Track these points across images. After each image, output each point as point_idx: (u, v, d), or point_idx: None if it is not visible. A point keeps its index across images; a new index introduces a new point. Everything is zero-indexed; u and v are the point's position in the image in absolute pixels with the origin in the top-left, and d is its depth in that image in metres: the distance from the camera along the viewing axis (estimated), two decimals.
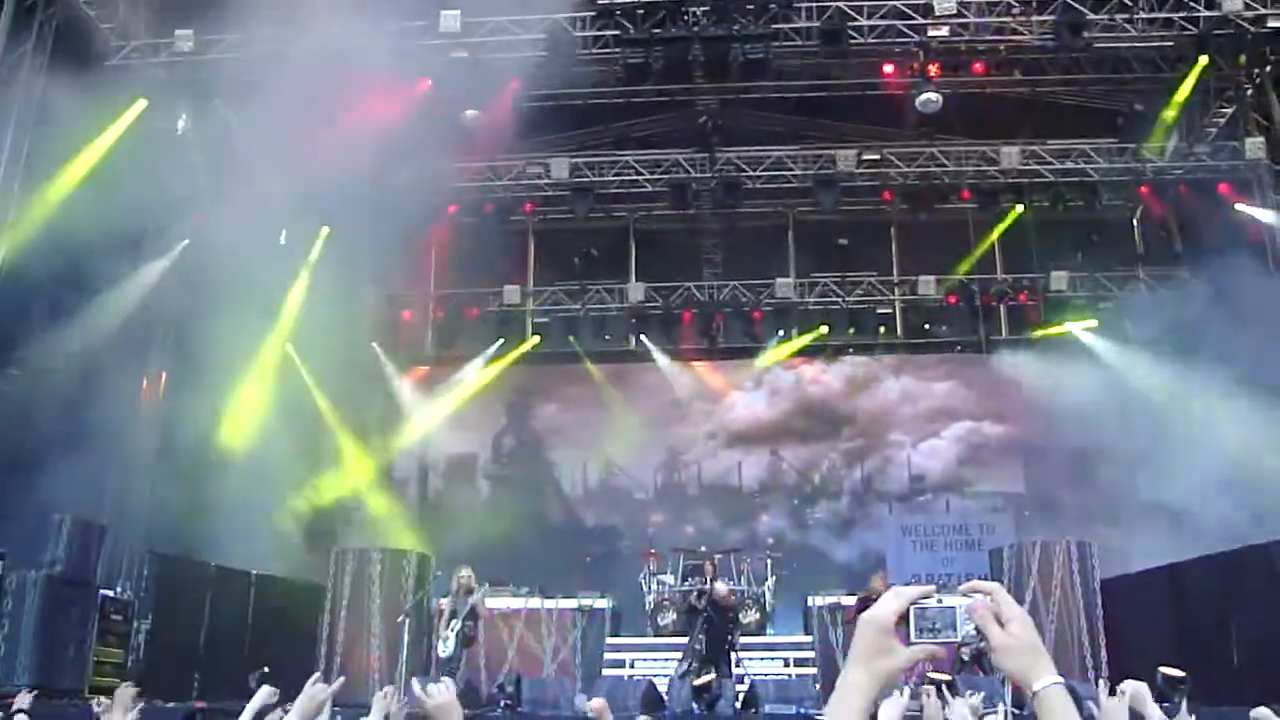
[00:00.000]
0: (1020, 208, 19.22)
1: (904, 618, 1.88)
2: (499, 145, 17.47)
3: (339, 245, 18.08)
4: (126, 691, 4.41)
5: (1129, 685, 3.80)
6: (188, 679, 13.43)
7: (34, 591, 12.10)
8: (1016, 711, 10.98)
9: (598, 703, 4.76)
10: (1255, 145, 16.99)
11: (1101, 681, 4.02)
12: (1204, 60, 16.21)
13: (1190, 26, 15.88)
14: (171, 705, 10.78)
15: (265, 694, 4.22)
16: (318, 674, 3.71)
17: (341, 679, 3.74)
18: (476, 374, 20.93)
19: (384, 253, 18.09)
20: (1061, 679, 1.87)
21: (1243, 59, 16.76)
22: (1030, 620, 1.90)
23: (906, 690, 3.84)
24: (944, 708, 3.96)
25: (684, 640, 14.17)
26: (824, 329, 20.02)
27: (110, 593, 13.78)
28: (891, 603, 1.87)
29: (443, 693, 3.09)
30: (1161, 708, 3.90)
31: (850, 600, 14.74)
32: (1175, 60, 16.97)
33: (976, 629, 1.90)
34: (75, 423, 12.68)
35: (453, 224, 19.47)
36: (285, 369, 17.65)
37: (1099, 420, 17.75)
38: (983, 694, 4.14)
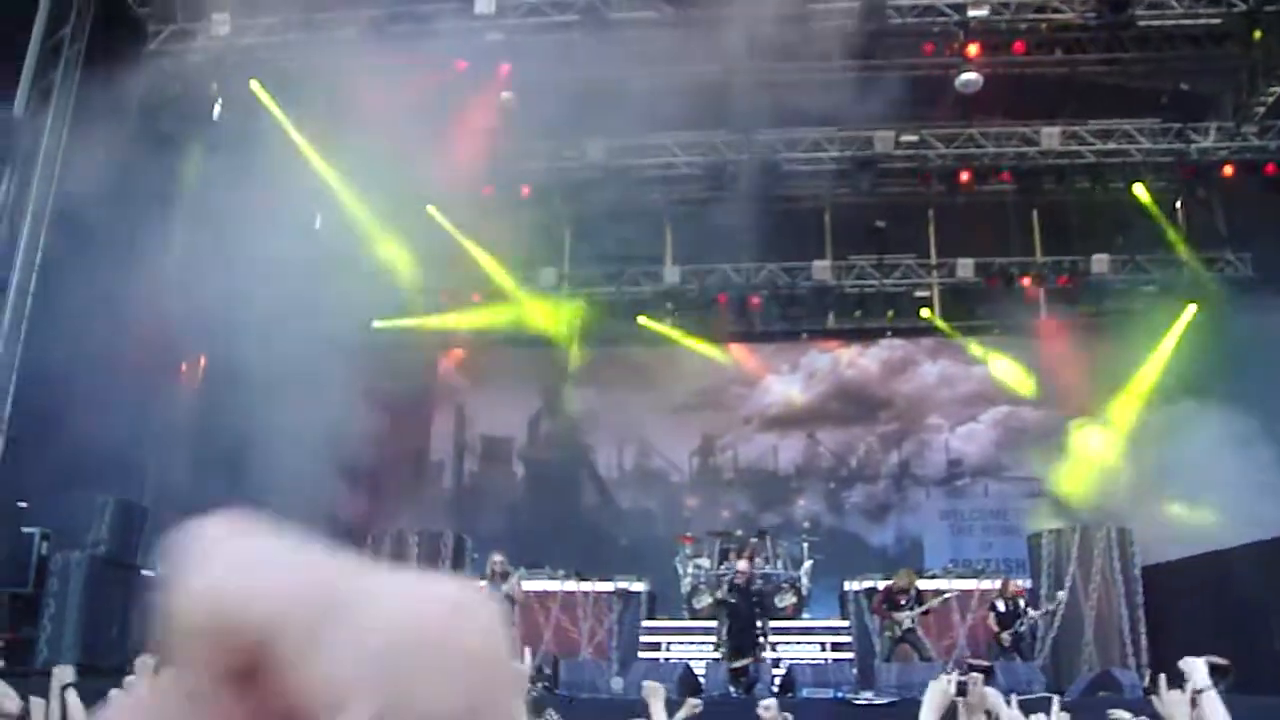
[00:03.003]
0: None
1: None
2: (537, 127, 17.42)
3: (375, 231, 18.15)
4: (147, 660, 4.43)
5: (1186, 660, 3.81)
6: None
7: (78, 572, 12.30)
8: (1057, 697, 10.90)
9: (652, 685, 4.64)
10: None
11: (1145, 672, 3.99)
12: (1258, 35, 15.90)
13: (1238, 2, 15.57)
14: None
15: None
16: None
17: None
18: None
19: (421, 235, 18.15)
20: None
21: None
22: None
23: (955, 673, 3.79)
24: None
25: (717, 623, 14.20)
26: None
27: (152, 573, 13.96)
28: None
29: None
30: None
31: (883, 585, 14.65)
32: (1222, 38, 16.66)
33: None
34: (117, 406, 12.77)
35: (487, 206, 19.45)
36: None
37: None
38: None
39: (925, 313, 20.23)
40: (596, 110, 16.27)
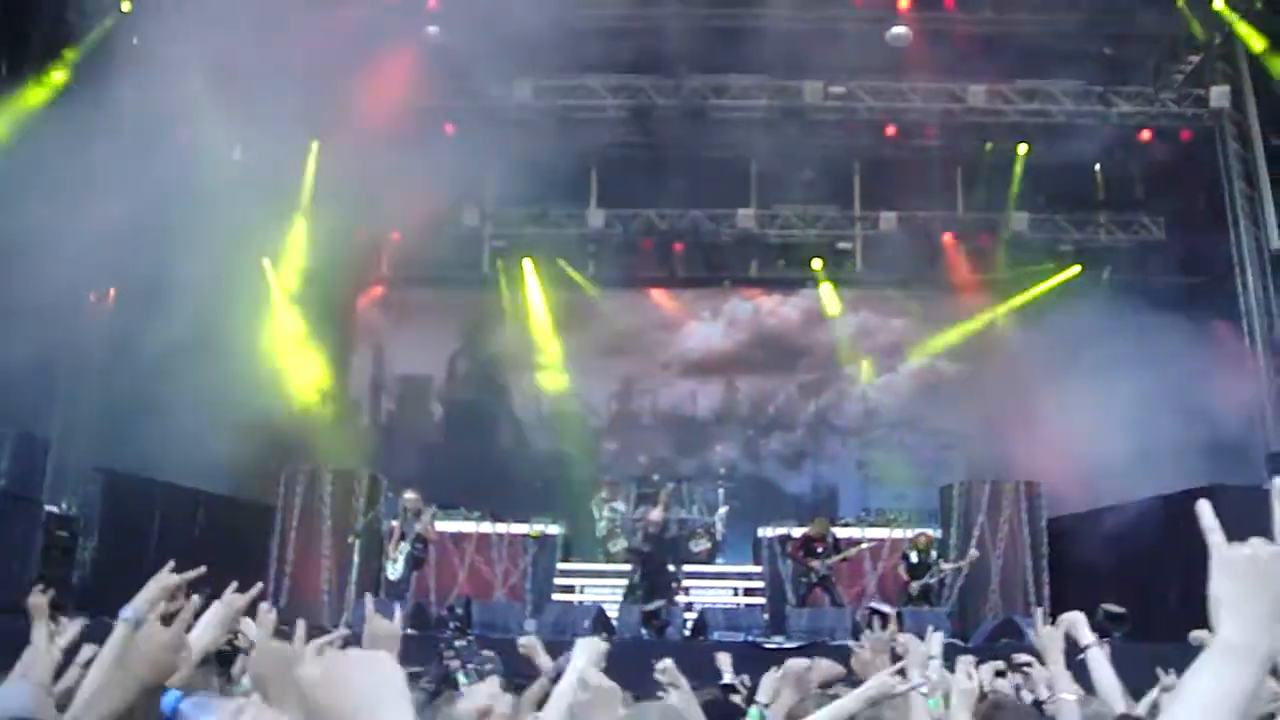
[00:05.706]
0: (1024, 148, 19.09)
1: None
2: (464, 63, 17.09)
3: (294, 162, 17.77)
4: (39, 599, 4.05)
5: (1066, 616, 3.96)
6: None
7: None
8: (961, 643, 11.18)
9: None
10: (1221, 94, 17.00)
11: (1038, 610, 4.14)
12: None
13: None
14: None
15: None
16: (235, 583, 3.55)
17: (260, 585, 3.61)
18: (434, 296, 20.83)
19: (342, 170, 17.78)
20: None
21: (1215, 3, 16.70)
22: None
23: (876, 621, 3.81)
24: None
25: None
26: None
27: (55, 509, 13.63)
28: None
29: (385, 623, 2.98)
30: (1102, 642, 3.99)
31: (799, 532, 14.85)
32: (1148, 3, 16.88)
33: None
34: (19, 337, 12.36)
35: (411, 144, 19.07)
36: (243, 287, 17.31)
37: (1050, 360, 17.93)
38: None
39: (847, 264, 20.37)
40: (525, 49, 16.00)
